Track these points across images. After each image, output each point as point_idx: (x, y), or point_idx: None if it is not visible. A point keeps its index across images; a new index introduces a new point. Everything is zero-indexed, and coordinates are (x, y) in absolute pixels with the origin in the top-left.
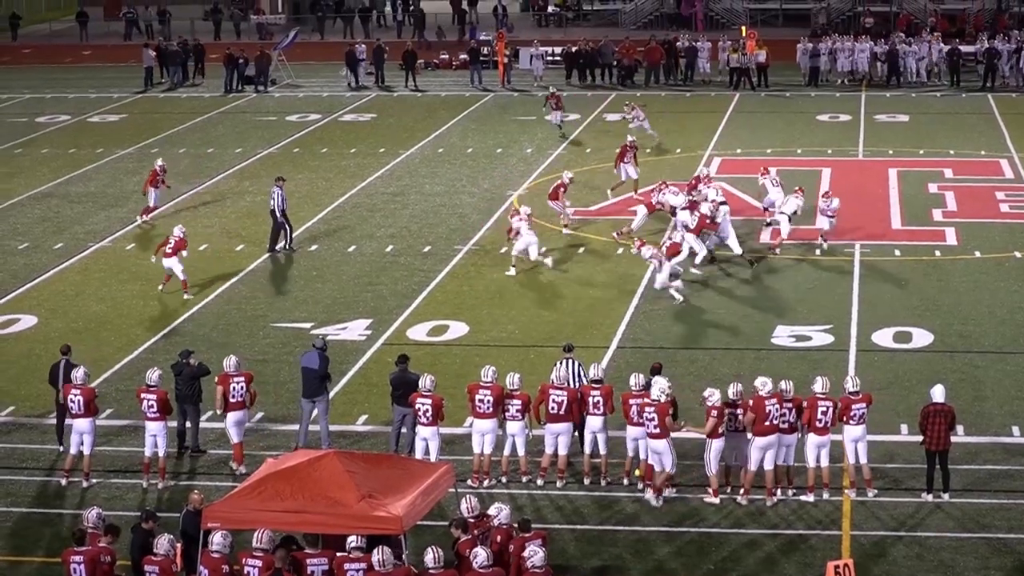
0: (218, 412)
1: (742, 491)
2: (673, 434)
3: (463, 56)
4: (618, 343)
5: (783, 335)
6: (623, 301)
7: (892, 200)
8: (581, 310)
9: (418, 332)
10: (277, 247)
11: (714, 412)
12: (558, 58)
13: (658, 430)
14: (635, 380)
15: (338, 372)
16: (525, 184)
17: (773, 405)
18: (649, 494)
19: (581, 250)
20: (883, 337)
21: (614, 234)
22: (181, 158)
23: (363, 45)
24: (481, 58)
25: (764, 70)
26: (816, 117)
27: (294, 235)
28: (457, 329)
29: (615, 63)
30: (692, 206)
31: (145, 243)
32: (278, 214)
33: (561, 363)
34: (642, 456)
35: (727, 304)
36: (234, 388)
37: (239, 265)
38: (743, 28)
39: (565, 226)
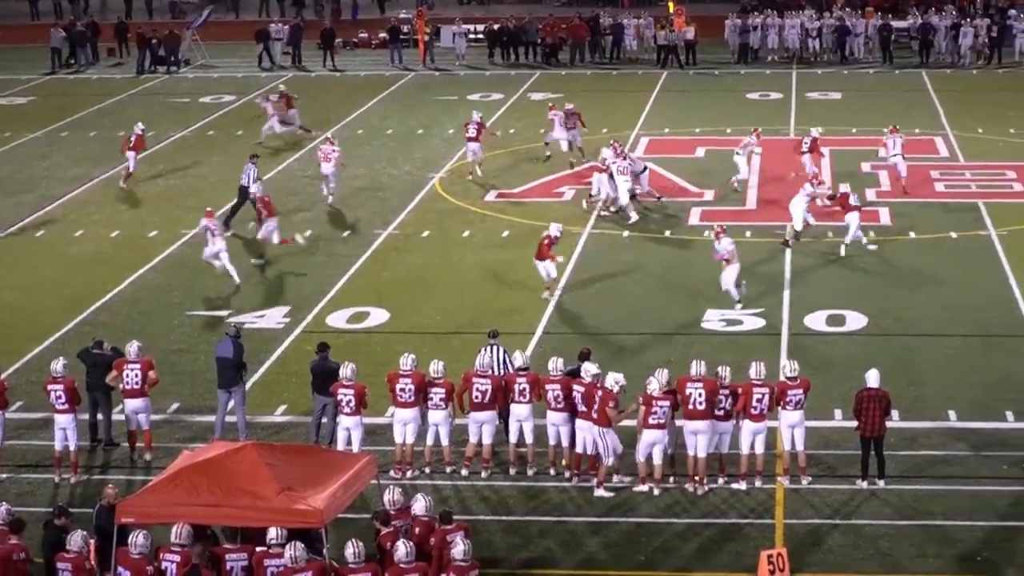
0: (117, 387)
1: (673, 479)
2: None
3: (383, 35)
4: (544, 329)
5: (714, 319)
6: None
7: (825, 180)
8: (506, 295)
9: (338, 319)
10: (241, 224)
11: (639, 400)
12: (480, 36)
13: (595, 416)
14: (553, 364)
15: (256, 361)
16: (447, 166)
17: (696, 389)
18: (599, 490)
19: (505, 233)
20: (816, 320)
21: (584, 203)
22: (92, 142)
23: (280, 24)
24: (401, 37)
25: (692, 47)
26: (746, 95)
27: (233, 218)
28: (378, 316)
29: (539, 41)
30: (634, 180)
31: (55, 229)
32: (253, 191)
33: (485, 350)
34: (564, 443)
35: (656, 288)
36: (128, 375)
37: (152, 252)
38: (671, 4)
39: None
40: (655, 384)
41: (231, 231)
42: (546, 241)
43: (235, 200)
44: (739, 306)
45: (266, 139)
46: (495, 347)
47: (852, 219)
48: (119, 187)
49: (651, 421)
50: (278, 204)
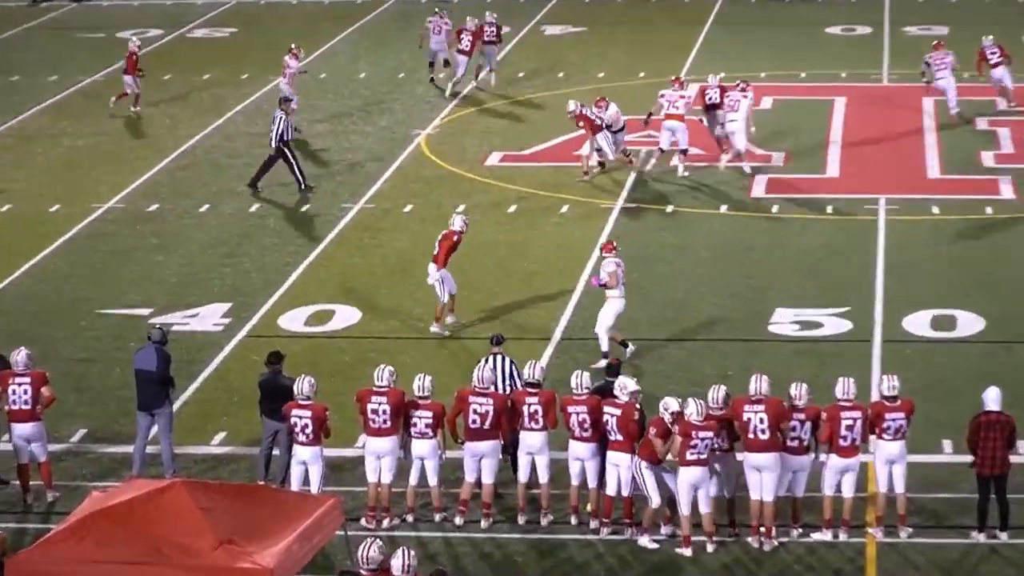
0: (1, 409)
1: (732, 530)
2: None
3: None
4: (563, 333)
5: (784, 321)
6: (570, 276)
7: (928, 141)
8: (513, 288)
9: (294, 320)
10: (259, 185)
11: (675, 428)
12: None
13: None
14: (577, 380)
15: (186, 374)
16: (436, 119)
17: (756, 413)
18: (643, 539)
19: (512, 208)
20: (918, 323)
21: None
22: None
23: None
24: None
25: None
26: (825, 30)
27: (304, 171)
28: (346, 315)
29: None
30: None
31: None
32: (275, 144)
33: (486, 360)
34: (591, 483)
35: (709, 280)
36: (15, 391)
37: (55, 232)
38: None
39: None
40: (692, 408)
41: (310, 187)
42: (456, 238)
43: (288, 160)
44: (628, 351)
45: None
46: (499, 357)
47: None
48: (131, 111)
49: (689, 456)
50: (213, 170)
